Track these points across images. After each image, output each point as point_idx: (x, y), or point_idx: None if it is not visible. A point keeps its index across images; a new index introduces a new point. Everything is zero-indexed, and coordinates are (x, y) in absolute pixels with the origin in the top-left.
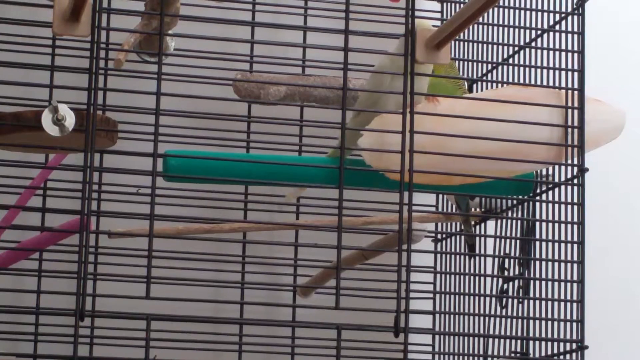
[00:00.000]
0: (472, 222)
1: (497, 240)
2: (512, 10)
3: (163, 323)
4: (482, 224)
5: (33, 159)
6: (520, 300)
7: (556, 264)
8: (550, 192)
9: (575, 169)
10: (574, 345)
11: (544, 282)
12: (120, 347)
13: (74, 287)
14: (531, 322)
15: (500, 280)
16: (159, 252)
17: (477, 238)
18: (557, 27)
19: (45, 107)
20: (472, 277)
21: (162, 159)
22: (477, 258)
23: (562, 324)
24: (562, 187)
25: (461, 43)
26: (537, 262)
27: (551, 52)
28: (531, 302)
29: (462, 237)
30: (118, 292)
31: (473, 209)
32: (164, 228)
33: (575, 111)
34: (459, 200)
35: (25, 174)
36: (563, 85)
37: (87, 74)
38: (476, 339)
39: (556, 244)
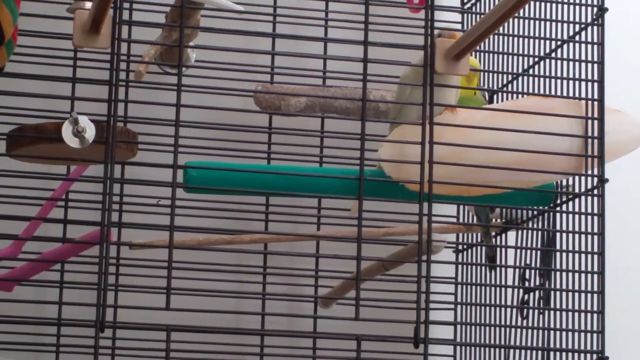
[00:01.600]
0: (493, 234)
1: (518, 251)
2: (531, 21)
3: (184, 334)
4: (503, 235)
5: (54, 170)
6: (541, 311)
7: (576, 274)
8: (570, 203)
9: (596, 179)
10: (595, 356)
11: (564, 293)
12: (141, 358)
13: (95, 298)
14: (552, 332)
15: (521, 291)
16: (180, 263)
17: (498, 249)
18: (576, 38)
19: (66, 119)
20: (492, 288)
21: (183, 170)
22: (497, 269)
23: (582, 334)
24: (582, 197)
25: (481, 54)
26: (558, 273)
27: (571, 63)
28: (552, 312)
29: (483, 248)
30: (139, 303)
31: (493, 220)
32: (185, 239)
33: (595, 122)
34: (479, 212)
35: (47, 185)
36: (583, 95)
37: (108, 86)
38: (497, 349)
39: (576, 255)
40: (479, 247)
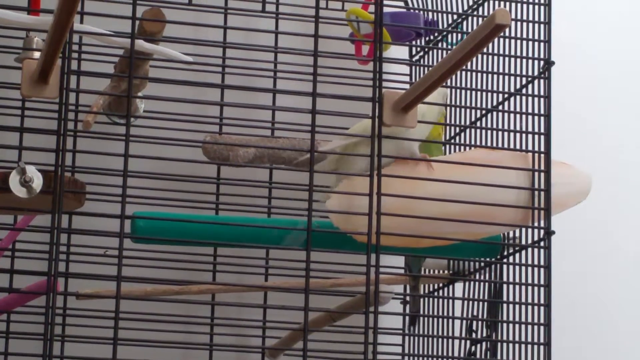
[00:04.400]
0: (438, 285)
1: (465, 302)
2: (479, 74)
3: None
4: (450, 286)
5: (1, 220)
6: None
7: (523, 326)
8: (517, 255)
9: (542, 231)
10: None
11: (511, 344)
12: None
13: (41, 348)
14: None
15: (468, 342)
16: (127, 314)
17: (445, 300)
18: (523, 91)
19: (14, 169)
20: (440, 339)
21: (130, 221)
22: (445, 320)
23: None
24: (529, 249)
25: None
26: (504, 324)
27: (518, 115)
28: None
29: (432, 299)
30: (86, 354)
31: (441, 271)
32: (132, 289)
33: (542, 174)
34: (411, 263)
35: None
36: (530, 148)
37: (56, 136)
38: None
39: (523, 306)
40: (426, 298)
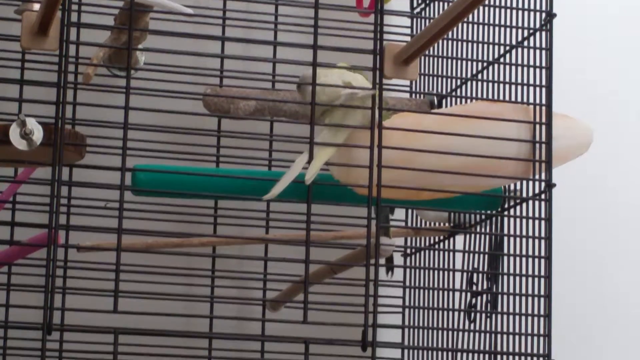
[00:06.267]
0: (437, 239)
1: (466, 254)
2: (480, 26)
3: (131, 337)
4: (451, 239)
5: (1, 172)
6: (489, 314)
7: (524, 278)
8: (518, 207)
9: (543, 184)
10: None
11: (511, 297)
12: None
13: (42, 301)
14: (499, 336)
15: (469, 294)
16: (128, 266)
17: (445, 252)
18: (525, 43)
19: (14, 121)
20: (440, 292)
21: (131, 173)
22: (446, 272)
23: (529, 338)
24: (530, 202)
25: (430, 59)
26: (505, 277)
27: (519, 68)
28: (499, 316)
29: (433, 251)
30: (86, 306)
31: (442, 224)
32: (133, 242)
33: (543, 127)
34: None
35: None
36: (531, 100)
37: (56, 88)
38: (445, 353)
39: (524, 259)
40: (427, 251)
